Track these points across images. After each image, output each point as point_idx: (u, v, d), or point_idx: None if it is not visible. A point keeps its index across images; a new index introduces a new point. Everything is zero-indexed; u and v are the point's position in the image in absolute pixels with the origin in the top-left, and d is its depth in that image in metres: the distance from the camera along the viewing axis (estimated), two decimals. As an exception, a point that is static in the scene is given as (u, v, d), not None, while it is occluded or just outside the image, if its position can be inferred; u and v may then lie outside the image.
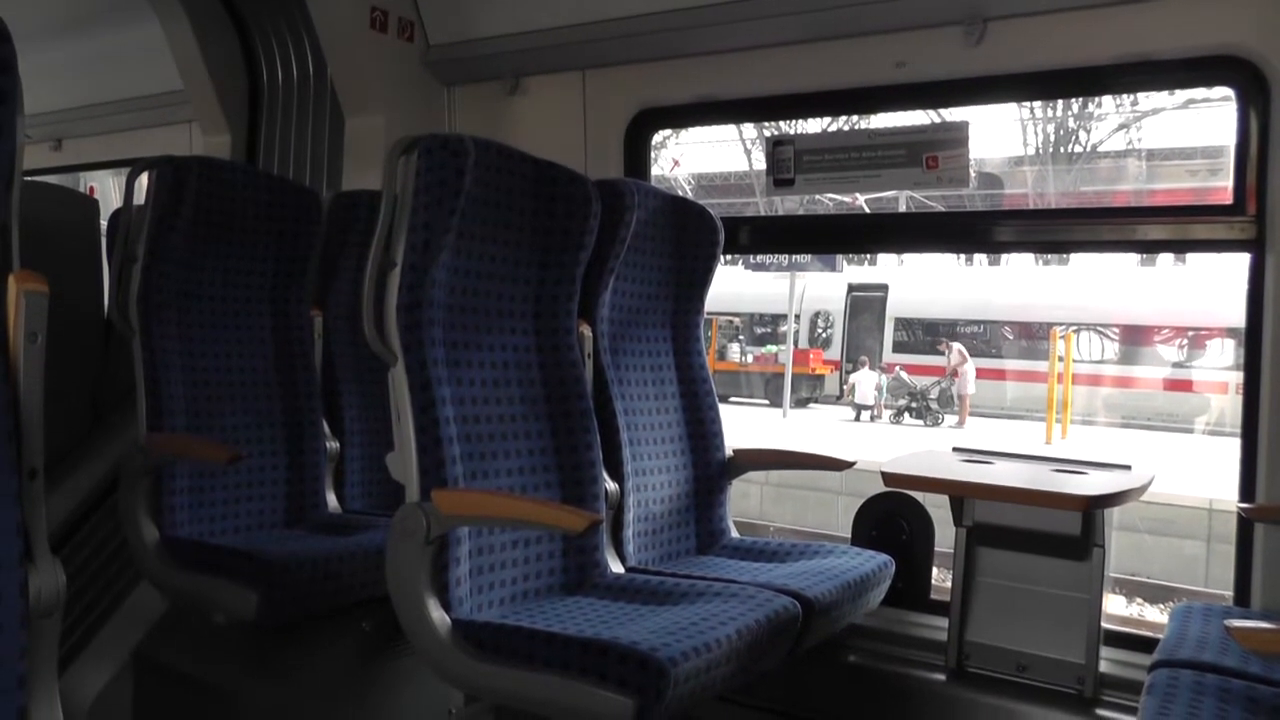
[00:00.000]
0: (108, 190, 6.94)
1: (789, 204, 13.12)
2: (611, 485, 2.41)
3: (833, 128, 11.26)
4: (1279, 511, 2.31)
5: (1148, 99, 19.28)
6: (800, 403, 18.64)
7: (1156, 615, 8.27)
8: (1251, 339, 2.41)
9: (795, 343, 18.96)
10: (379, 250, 1.98)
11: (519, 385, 2.25)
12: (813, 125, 11.10)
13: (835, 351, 19.66)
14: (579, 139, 3.27)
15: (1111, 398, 16.87)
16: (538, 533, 2.16)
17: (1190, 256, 16.72)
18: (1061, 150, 21.48)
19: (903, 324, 19.17)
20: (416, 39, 3.44)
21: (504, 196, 2.19)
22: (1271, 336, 2.36)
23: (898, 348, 18.95)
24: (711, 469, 2.74)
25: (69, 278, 2.97)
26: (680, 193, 4.15)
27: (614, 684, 1.70)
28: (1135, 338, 17.07)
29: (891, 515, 2.86)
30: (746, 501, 11.25)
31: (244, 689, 2.43)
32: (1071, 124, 21.17)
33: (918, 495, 2.73)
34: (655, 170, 4.11)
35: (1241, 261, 2.47)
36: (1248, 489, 2.40)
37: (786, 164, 3.07)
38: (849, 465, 2.76)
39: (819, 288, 19.50)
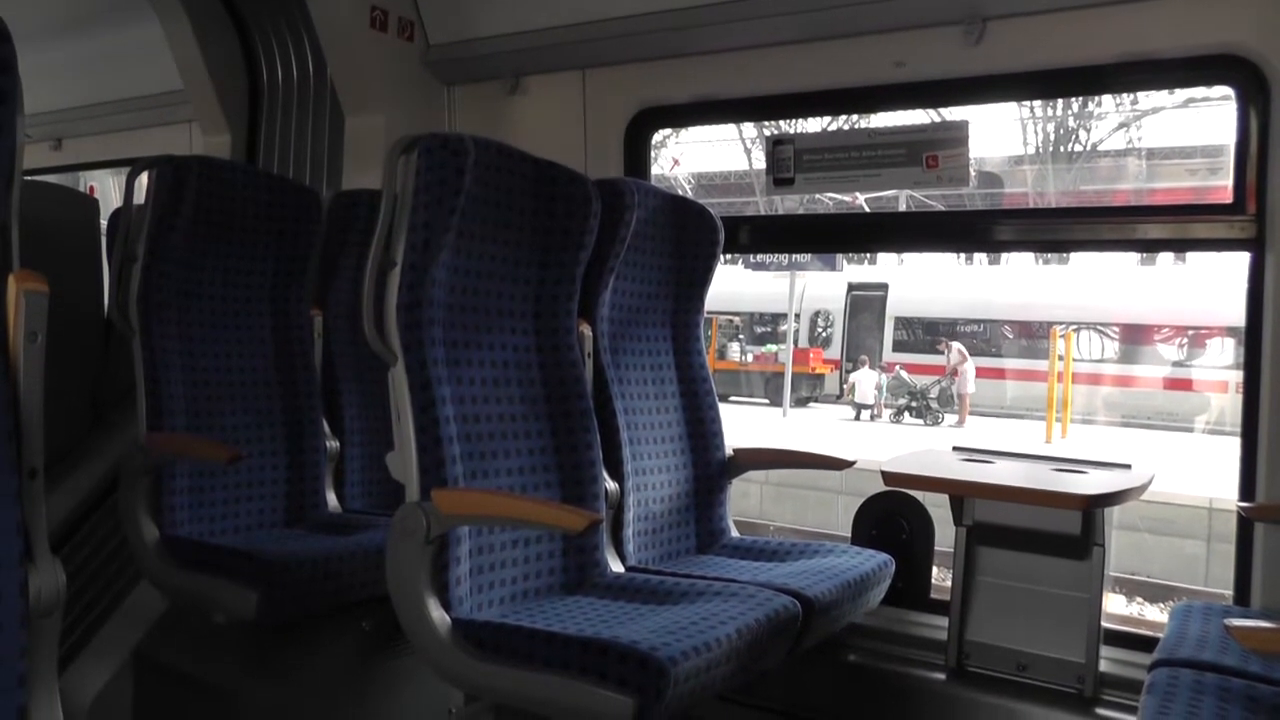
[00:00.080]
0: (108, 190, 6.94)
1: (789, 203, 13.13)
2: (611, 485, 2.41)
3: (832, 127, 11.26)
4: (1279, 511, 2.31)
5: (1147, 98, 19.27)
6: (800, 402, 18.64)
7: (1156, 614, 8.27)
8: (1251, 338, 2.41)
9: (795, 342, 18.96)
10: (379, 250, 1.98)
11: (519, 385, 2.25)
12: (813, 124, 11.10)
13: (835, 351, 19.65)
14: (579, 138, 3.27)
15: (1111, 397, 16.87)
16: (538, 532, 2.16)
17: (1190, 255, 16.71)
18: (1061, 149, 21.47)
19: (903, 323, 19.17)
20: (416, 38, 3.44)
21: (504, 196, 2.19)
22: (1271, 335, 2.36)
23: (898, 347, 18.95)
24: (711, 468, 2.74)
25: (69, 277, 2.97)
26: (680, 192, 4.15)
27: (614, 683, 1.70)
28: (1135, 337, 17.07)
29: (891, 514, 2.86)
30: (746, 501, 11.25)
31: (244, 688, 2.43)
32: (1071, 123, 21.15)
33: (918, 494, 2.73)
34: (655, 169, 4.11)
35: (1241, 260, 2.47)
36: (1248, 488, 2.40)
37: (786, 163, 3.07)
38: (849, 464, 2.76)
39: (819, 287, 19.49)
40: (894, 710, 2.58)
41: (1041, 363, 16.47)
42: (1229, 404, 14.95)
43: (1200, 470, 9.62)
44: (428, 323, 2.01)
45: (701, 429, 2.75)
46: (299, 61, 3.86)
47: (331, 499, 2.88)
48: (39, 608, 1.25)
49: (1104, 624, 2.41)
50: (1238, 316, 2.59)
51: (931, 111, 3.16)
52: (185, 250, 2.63)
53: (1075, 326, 16.80)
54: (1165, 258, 17.60)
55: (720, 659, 1.81)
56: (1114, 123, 20.59)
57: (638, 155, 3.24)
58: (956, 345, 17.35)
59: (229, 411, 2.69)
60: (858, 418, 17.32)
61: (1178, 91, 16.65)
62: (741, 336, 20.54)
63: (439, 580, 1.92)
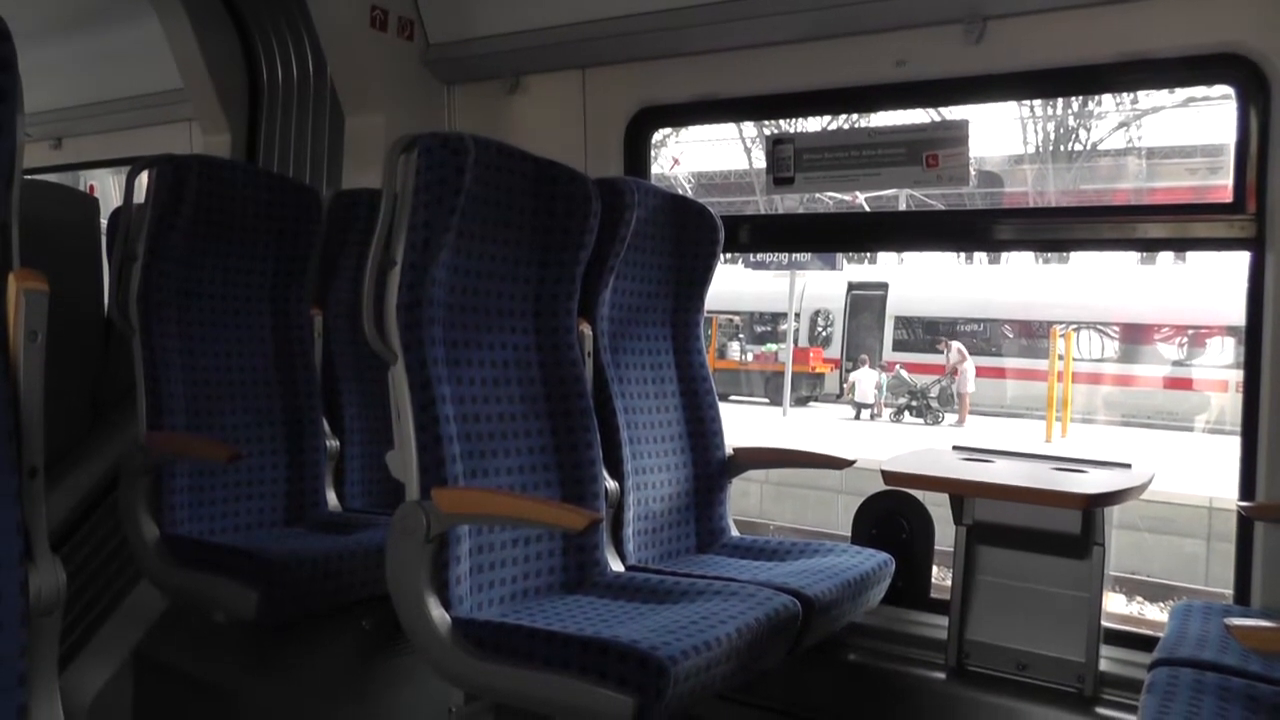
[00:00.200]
0: (108, 189, 6.94)
1: (789, 202, 13.12)
2: (611, 484, 2.41)
3: (832, 126, 11.26)
4: (1279, 510, 2.31)
5: (1147, 97, 19.26)
6: (800, 401, 18.63)
7: (1156, 614, 8.27)
8: (1251, 337, 2.41)
9: (795, 341, 18.95)
10: (379, 249, 1.98)
11: (519, 384, 2.25)
12: (813, 124, 11.10)
13: (835, 350, 19.64)
14: (579, 137, 3.27)
15: (1111, 396, 16.86)
16: (538, 531, 2.16)
17: (1190, 255, 16.70)
18: (1061, 148, 21.45)
19: (903, 322, 19.16)
20: (416, 38, 3.44)
21: (504, 195, 2.19)
22: (1271, 335, 2.36)
23: (898, 346, 18.94)
24: (711, 467, 2.74)
25: (69, 276, 2.97)
26: (680, 191, 4.15)
27: (614, 682, 1.70)
28: (1135, 336, 17.06)
29: (891, 514, 2.86)
30: (746, 500, 11.24)
31: (244, 687, 2.43)
32: (1071, 122, 21.14)
33: (918, 494, 2.73)
34: (655, 169, 4.11)
35: (1241, 260, 2.47)
36: (1248, 487, 2.40)
37: (786, 162, 3.06)
38: (849, 464, 2.76)
39: (819, 286, 19.49)
40: (894, 710, 2.58)
41: (1041, 362, 16.46)
42: (1229, 403, 14.95)
43: (1200, 469, 9.62)
44: (428, 322, 2.01)
45: (701, 428, 2.75)
46: (299, 60, 3.86)
47: (331, 498, 2.88)
48: (39, 607, 1.25)
49: (1104, 623, 2.41)
50: (1238, 316, 2.59)
51: (931, 111, 3.16)
52: (185, 249, 2.63)
53: (1075, 326, 16.79)
54: (1165, 257, 17.60)
55: (720, 658, 1.81)
56: (1114, 122, 20.58)
57: (638, 154, 3.24)
58: (956, 344, 17.34)
59: (229, 410, 2.69)
60: (858, 417, 17.32)
61: (1178, 91, 16.64)
62: (741, 336, 20.54)
63: (439, 579, 1.92)
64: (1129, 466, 2.54)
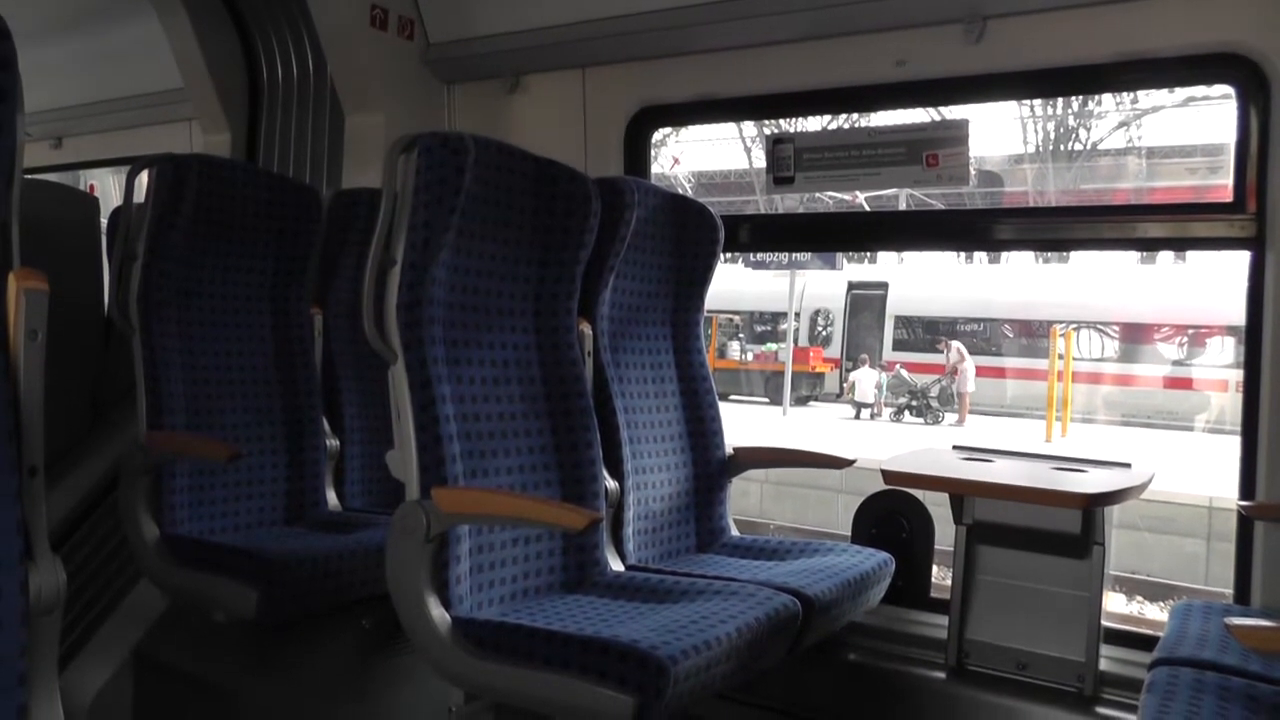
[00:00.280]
0: (108, 188, 6.94)
1: (789, 202, 13.12)
2: (611, 483, 2.41)
3: (832, 125, 11.26)
4: (1279, 510, 2.31)
5: (1147, 97, 19.26)
6: (800, 401, 18.63)
7: (1156, 613, 8.27)
8: (1251, 337, 2.41)
9: (795, 341, 18.95)
10: (379, 248, 1.98)
11: (519, 383, 2.25)
12: (813, 123, 11.10)
13: (835, 349, 19.64)
14: (579, 137, 3.27)
15: (1111, 395, 16.86)
16: (538, 531, 2.16)
17: (1190, 254, 16.70)
18: (1061, 148, 21.44)
19: (903, 322, 19.16)
20: (416, 37, 3.44)
21: (504, 195, 2.19)
22: (1271, 334, 2.36)
23: (898, 346, 18.94)
24: (711, 467, 2.74)
25: (69, 276, 2.97)
26: (680, 191, 4.15)
27: (614, 682, 1.70)
28: (1135, 335, 17.06)
29: (891, 513, 2.86)
30: (746, 499, 11.24)
31: (244, 687, 2.43)
32: (1071, 122, 21.13)
33: (918, 493, 2.73)
34: (655, 168, 4.11)
35: (1242, 259, 2.47)
36: (1248, 487, 2.40)
37: (786, 162, 3.06)
38: (849, 463, 2.76)
39: (819, 286, 19.48)
40: (894, 709, 2.58)
41: (1041, 361, 16.46)
42: (1229, 403, 14.95)
43: (1200, 469, 9.62)
44: (428, 321, 2.01)
45: (701, 428, 2.75)
46: (299, 60, 3.86)
47: (331, 497, 2.88)
48: (39, 606, 1.25)
49: (1104, 623, 2.41)
50: (1238, 315, 2.59)
51: (931, 110, 3.16)
52: (185, 249, 2.63)
53: (1075, 325, 16.79)
54: (1165, 257, 17.60)
55: (720, 658, 1.81)
56: (1114, 121, 20.57)
57: (638, 154, 3.24)
58: (956, 344, 17.34)
59: (229, 410, 2.70)
60: (858, 416, 17.32)
61: (1178, 90, 16.65)
62: (741, 335, 20.54)
63: (439, 579, 1.92)
64: (1129, 466, 2.54)
